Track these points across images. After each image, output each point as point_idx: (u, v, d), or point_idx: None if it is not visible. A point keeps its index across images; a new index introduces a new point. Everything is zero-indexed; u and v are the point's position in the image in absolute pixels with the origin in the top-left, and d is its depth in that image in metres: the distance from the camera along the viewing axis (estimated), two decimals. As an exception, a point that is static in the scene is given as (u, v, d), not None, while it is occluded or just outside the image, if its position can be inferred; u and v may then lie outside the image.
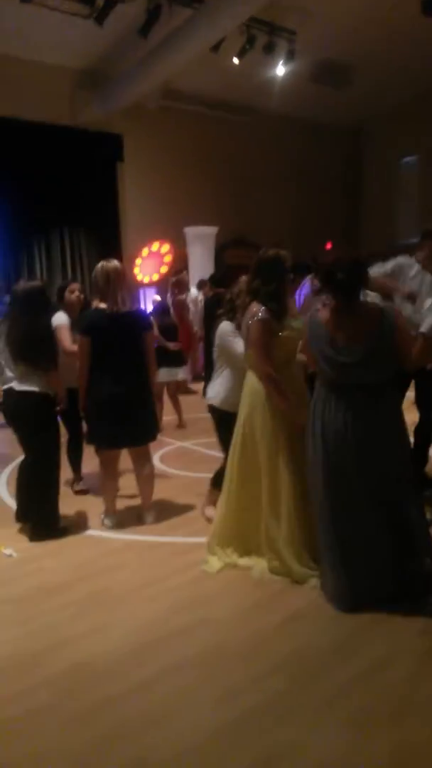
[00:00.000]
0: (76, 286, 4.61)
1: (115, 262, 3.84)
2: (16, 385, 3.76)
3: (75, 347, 4.17)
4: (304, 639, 2.69)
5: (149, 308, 8.07)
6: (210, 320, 7.62)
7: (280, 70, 10.39)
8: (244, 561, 3.32)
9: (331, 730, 2.15)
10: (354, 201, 15.35)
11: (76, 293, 4.55)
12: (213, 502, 3.78)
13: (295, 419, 3.13)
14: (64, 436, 4.52)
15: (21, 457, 4.02)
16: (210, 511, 3.86)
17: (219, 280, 8.12)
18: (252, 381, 3.29)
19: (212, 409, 3.80)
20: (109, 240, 11.72)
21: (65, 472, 4.27)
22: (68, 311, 4.46)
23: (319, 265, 2.99)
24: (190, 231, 11.14)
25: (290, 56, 9.96)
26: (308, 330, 2.93)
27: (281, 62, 10.08)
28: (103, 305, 3.75)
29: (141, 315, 3.98)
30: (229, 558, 3.35)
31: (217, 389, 3.75)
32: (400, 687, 2.36)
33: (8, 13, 8.14)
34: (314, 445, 2.92)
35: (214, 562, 3.34)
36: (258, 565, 3.26)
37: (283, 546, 3.16)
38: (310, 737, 2.12)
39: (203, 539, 3.61)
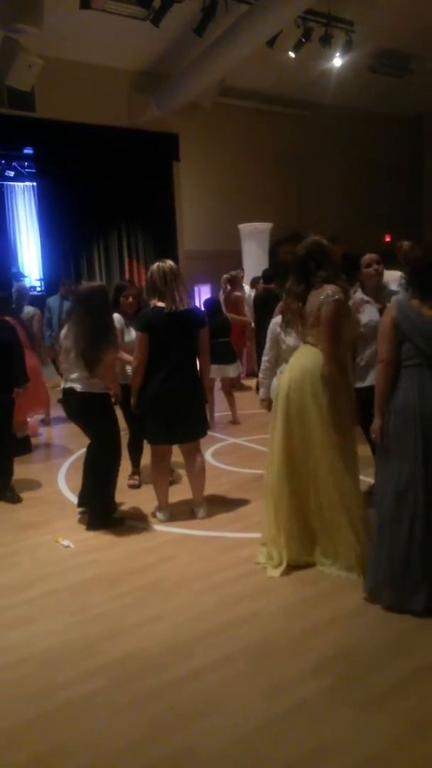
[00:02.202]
0: (132, 291, 4.72)
1: (170, 262, 3.91)
2: (78, 386, 3.88)
3: (121, 353, 4.32)
4: (353, 637, 2.68)
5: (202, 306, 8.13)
6: (260, 316, 7.64)
7: (338, 61, 10.25)
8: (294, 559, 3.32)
9: (378, 729, 2.14)
10: (415, 193, 14.96)
11: (131, 299, 4.66)
12: None
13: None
14: (124, 430, 4.67)
15: (81, 451, 4.15)
16: None
17: (269, 277, 8.11)
18: (313, 363, 3.25)
19: None
20: (166, 239, 11.87)
21: (124, 465, 4.37)
22: (124, 315, 4.62)
23: (408, 261, 3.02)
24: (245, 228, 11.13)
25: (348, 47, 9.80)
26: (398, 313, 2.85)
27: (338, 54, 9.94)
28: (161, 304, 3.82)
29: (197, 313, 4.03)
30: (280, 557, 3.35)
31: None
32: (451, 690, 2.33)
33: (67, 18, 8.34)
34: (406, 435, 2.82)
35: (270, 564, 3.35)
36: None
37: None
38: (356, 735, 2.12)
39: (254, 535, 3.65)
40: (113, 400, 4.03)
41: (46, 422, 6.98)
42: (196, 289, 11.18)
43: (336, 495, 3.17)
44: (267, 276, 8.12)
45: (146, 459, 4.66)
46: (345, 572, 3.16)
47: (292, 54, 9.57)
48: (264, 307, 7.54)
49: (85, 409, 3.94)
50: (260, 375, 4.27)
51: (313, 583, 3.14)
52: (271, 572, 3.27)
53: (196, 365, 3.97)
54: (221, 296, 8.33)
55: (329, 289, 3.21)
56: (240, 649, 2.63)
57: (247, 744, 2.12)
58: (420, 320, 2.79)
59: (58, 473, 5.24)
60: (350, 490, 3.19)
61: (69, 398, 3.98)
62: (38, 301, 8.42)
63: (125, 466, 4.46)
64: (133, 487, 4.73)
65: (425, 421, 2.75)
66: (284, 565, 3.27)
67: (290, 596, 3.06)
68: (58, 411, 6.82)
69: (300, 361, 3.32)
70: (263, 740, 2.13)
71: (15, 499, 4.60)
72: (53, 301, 8.28)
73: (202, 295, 10.98)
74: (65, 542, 3.78)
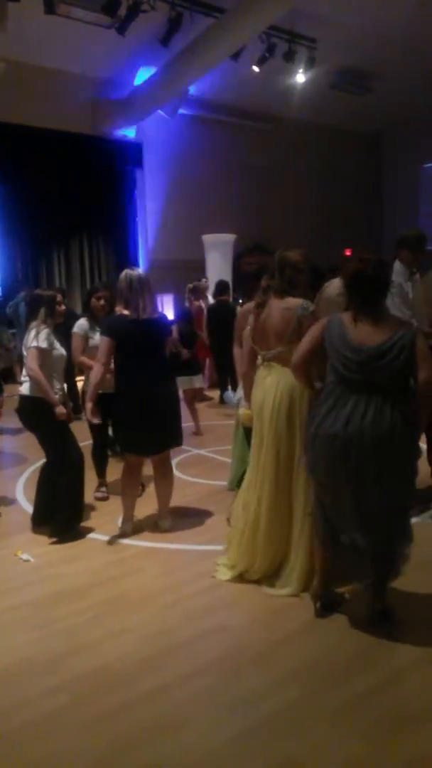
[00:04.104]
0: (103, 293, 4.69)
1: (139, 270, 3.91)
2: (23, 390, 3.90)
3: (83, 358, 4.33)
4: (320, 648, 2.69)
5: (171, 315, 8.09)
6: (214, 328, 7.60)
7: (300, 77, 10.45)
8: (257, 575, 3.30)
9: (347, 739, 2.15)
10: (374, 207, 15.33)
11: (102, 301, 4.64)
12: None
13: None
14: (89, 440, 4.60)
15: (40, 461, 4.07)
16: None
17: (223, 288, 8.14)
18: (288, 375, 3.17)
19: None
20: (128, 248, 11.83)
21: (89, 477, 4.30)
22: (92, 317, 4.60)
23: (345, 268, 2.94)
24: (208, 239, 11.18)
25: (310, 64, 10.02)
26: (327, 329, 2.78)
27: (301, 70, 10.14)
28: (126, 312, 3.80)
29: (163, 321, 4.00)
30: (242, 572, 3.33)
31: None
32: (418, 698, 2.36)
33: (32, 23, 8.28)
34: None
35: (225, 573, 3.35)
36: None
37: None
38: (325, 746, 2.13)
39: (218, 547, 3.63)
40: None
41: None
42: (159, 298, 11.15)
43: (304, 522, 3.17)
44: (221, 287, 8.13)
45: (113, 473, 4.62)
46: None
47: (255, 68, 9.73)
48: (217, 318, 7.53)
49: (31, 414, 3.89)
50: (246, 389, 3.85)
51: (278, 597, 3.13)
52: (222, 575, 3.30)
53: (168, 373, 3.94)
54: (186, 306, 8.30)
55: (293, 302, 3.15)
56: (208, 662, 2.60)
57: (215, 759, 2.10)
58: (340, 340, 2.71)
59: (16, 484, 5.12)
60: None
61: (19, 403, 3.95)
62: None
63: (91, 477, 4.38)
64: (100, 499, 4.65)
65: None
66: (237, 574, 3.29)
67: (257, 608, 3.05)
68: (11, 420, 6.68)
69: (284, 380, 3.21)
70: (232, 754, 2.11)
71: None
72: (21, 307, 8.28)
73: (164, 304, 10.95)
74: (24, 556, 3.69)
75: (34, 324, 3.96)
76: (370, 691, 2.39)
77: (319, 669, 2.55)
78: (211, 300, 8.87)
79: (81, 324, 4.65)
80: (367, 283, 2.69)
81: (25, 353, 3.92)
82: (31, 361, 3.79)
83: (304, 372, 2.92)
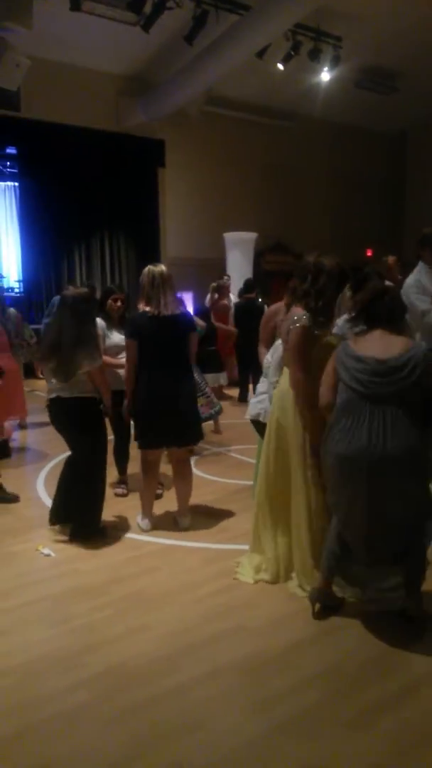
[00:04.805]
0: (120, 296, 4.67)
1: (161, 267, 3.88)
2: (64, 393, 3.77)
3: (107, 358, 4.31)
4: (341, 652, 2.67)
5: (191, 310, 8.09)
6: (241, 326, 7.62)
7: (325, 75, 10.38)
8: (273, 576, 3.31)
9: (366, 747, 2.13)
10: (397, 208, 15.19)
11: (119, 302, 4.63)
12: None
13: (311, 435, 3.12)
14: (110, 437, 4.60)
15: (60, 457, 4.08)
16: None
17: (250, 287, 8.12)
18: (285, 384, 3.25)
19: None
20: (149, 245, 11.84)
21: (110, 474, 4.31)
22: (107, 317, 4.59)
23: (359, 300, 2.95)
24: (229, 237, 11.17)
25: (335, 62, 9.95)
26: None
27: (326, 68, 10.07)
28: (147, 308, 3.80)
29: (186, 317, 4.00)
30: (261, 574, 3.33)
31: None
32: (439, 706, 2.33)
33: (57, 19, 8.30)
34: None
35: (248, 573, 3.35)
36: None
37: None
38: (344, 753, 2.11)
39: (236, 546, 3.63)
40: (103, 405, 3.93)
41: (22, 426, 6.88)
42: (178, 296, 11.15)
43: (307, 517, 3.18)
44: (248, 286, 8.12)
45: (134, 468, 4.62)
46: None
47: (280, 66, 9.68)
48: (244, 317, 7.54)
49: (72, 415, 3.82)
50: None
51: (298, 598, 3.11)
52: (244, 576, 3.30)
53: (189, 369, 3.93)
54: (208, 304, 8.30)
55: (296, 312, 3.16)
56: (226, 663, 2.59)
57: (235, 760, 2.09)
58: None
59: (37, 479, 5.15)
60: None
61: (54, 406, 3.88)
62: (18, 303, 8.34)
63: (111, 473, 4.39)
64: (119, 495, 4.66)
65: None
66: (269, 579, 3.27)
67: (275, 610, 3.03)
68: (34, 416, 6.74)
69: (285, 385, 3.28)
70: (251, 757, 2.10)
71: (11, 498, 4.60)
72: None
73: (184, 302, 10.95)
74: (45, 550, 3.71)
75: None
76: (390, 699, 2.37)
77: (338, 674, 2.53)
78: (234, 298, 8.86)
79: (98, 323, 4.66)
80: (384, 310, 2.77)
81: None
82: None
83: (330, 408, 2.86)
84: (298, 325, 3.11)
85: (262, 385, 3.84)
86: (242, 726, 2.24)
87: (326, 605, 2.95)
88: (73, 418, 3.83)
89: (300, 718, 2.27)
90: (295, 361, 3.12)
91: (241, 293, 8.27)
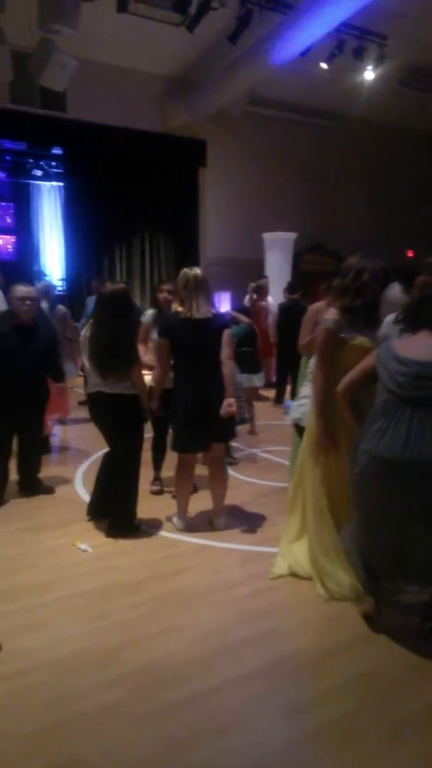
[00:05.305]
0: (167, 287, 4.76)
1: (196, 270, 3.88)
2: (107, 389, 3.84)
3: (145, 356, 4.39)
4: (376, 660, 2.63)
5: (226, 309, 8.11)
6: (284, 327, 7.59)
7: (369, 74, 10.24)
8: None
9: (402, 758, 2.10)
10: (438, 208, 14.90)
11: (165, 294, 4.72)
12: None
13: (320, 437, 3.14)
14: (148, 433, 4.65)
15: (99, 453, 4.13)
16: None
17: (294, 287, 8.07)
18: None
19: None
20: (188, 244, 11.89)
21: (145, 471, 4.36)
22: (158, 310, 4.72)
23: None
24: (269, 237, 11.12)
25: (380, 60, 9.81)
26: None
27: (370, 67, 9.94)
28: (180, 309, 3.83)
29: (218, 320, 3.95)
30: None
31: None
32: None
33: (104, 22, 8.40)
34: None
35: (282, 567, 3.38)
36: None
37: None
38: (379, 764, 2.08)
39: (270, 549, 3.61)
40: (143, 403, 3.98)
41: (62, 422, 6.98)
42: (216, 296, 11.17)
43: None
44: (292, 286, 8.08)
45: (168, 465, 4.65)
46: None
47: (325, 66, 9.58)
48: (288, 317, 7.50)
49: (114, 411, 3.87)
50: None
51: (331, 603, 3.09)
52: (278, 569, 3.35)
53: (221, 370, 3.94)
54: (247, 304, 8.29)
55: (327, 314, 3.16)
56: (260, 667, 2.59)
57: (266, 765, 2.08)
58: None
59: (75, 475, 5.23)
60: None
61: (96, 401, 3.94)
62: (61, 301, 8.45)
63: (146, 471, 4.43)
64: (154, 493, 4.70)
65: None
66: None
67: (309, 615, 3.01)
68: (74, 412, 6.84)
69: None
70: (283, 763, 2.09)
71: (47, 489, 4.74)
72: (89, 301, 8.31)
73: (221, 302, 10.96)
74: (83, 546, 3.76)
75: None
76: (426, 711, 2.32)
77: (374, 683, 2.49)
78: (271, 299, 8.82)
79: (146, 315, 4.78)
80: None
81: None
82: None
83: (347, 399, 2.90)
84: (323, 327, 3.12)
85: (305, 388, 3.83)
86: (274, 731, 2.23)
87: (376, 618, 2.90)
88: (111, 414, 3.89)
89: (334, 726, 2.24)
90: (317, 361, 3.18)
91: (287, 293, 8.22)
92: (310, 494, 3.29)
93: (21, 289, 4.38)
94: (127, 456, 3.92)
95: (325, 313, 3.20)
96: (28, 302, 4.38)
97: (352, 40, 9.42)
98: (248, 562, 3.56)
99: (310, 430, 3.31)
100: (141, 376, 3.92)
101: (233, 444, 5.53)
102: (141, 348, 4.50)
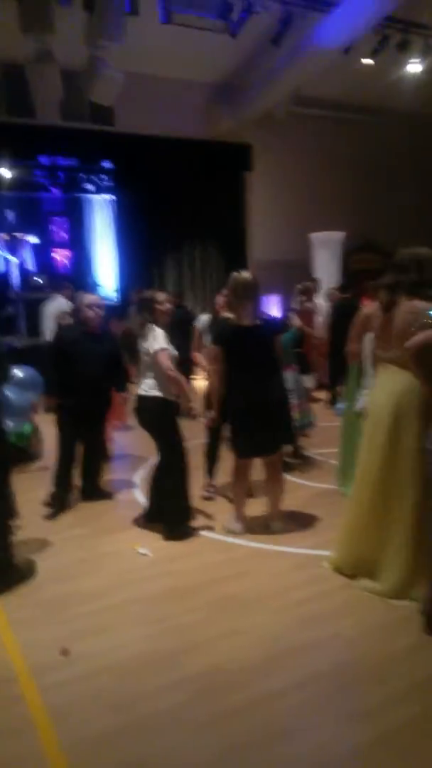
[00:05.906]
0: (163, 297, 4.36)
1: (245, 275, 3.88)
2: (142, 391, 4.03)
3: (196, 354, 4.61)
4: (440, 667, 2.59)
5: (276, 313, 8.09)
6: (336, 327, 7.51)
7: (415, 66, 10.03)
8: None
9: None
10: None
11: (165, 305, 4.22)
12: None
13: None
14: (196, 439, 4.71)
15: (154, 459, 4.23)
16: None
17: (345, 287, 8.00)
18: (405, 382, 3.10)
19: None
20: (235, 249, 11.94)
21: (198, 476, 4.42)
22: (214, 316, 4.75)
23: None
24: (316, 237, 11.04)
25: (426, 52, 9.60)
26: None
27: (416, 59, 9.74)
28: (231, 316, 3.86)
29: (268, 325, 3.96)
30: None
31: None
32: None
33: (148, 33, 8.54)
34: None
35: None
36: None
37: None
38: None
39: (327, 552, 3.59)
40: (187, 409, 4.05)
41: (119, 428, 7.11)
42: (265, 299, 11.17)
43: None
44: (343, 286, 8.03)
45: (221, 472, 4.69)
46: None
47: (370, 61, 9.44)
48: (340, 317, 7.43)
49: (145, 413, 4.03)
50: None
51: (392, 608, 3.05)
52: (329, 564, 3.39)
53: (280, 374, 3.95)
54: (296, 306, 8.26)
55: (420, 306, 3.00)
56: (322, 671, 2.58)
57: (330, 772, 2.08)
58: None
59: (133, 480, 5.33)
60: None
61: (138, 404, 4.09)
62: (115, 312, 8.67)
63: (199, 476, 4.49)
64: (206, 498, 4.75)
65: None
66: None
67: (369, 619, 2.98)
68: (132, 419, 6.95)
69: (399, 384, 3.15)
70: (348, 769, 2.09)
71: (108, 495, 4.85)
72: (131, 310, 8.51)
73: (270, 304, 10.94)
74: (143, 550, 3.84)
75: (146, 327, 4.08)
76: None
77: (439, 689, 2.46)
78: (320, 301, 8.75)
79: (200, 320, 4.84)
80: None
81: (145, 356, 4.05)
82: (165, 362, 3.90)
83: (419, 361, 2.74)
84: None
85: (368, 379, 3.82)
86: (337, 738, 2.22)
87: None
88: (147, 416, 4.04)
89: (401, 732, 2.22)
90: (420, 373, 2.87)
91: (340, 292, 8.15)
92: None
93: (89, 296, 4.57)
94: (168, 460, 4.04)
95: (414, 305, 3.03)
96: (96, 308, 4.54)
97: (396, 34, 9.26)
98: (305, 566, 3.56)
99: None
100: (175, 379, 3.93)
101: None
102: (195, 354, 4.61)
